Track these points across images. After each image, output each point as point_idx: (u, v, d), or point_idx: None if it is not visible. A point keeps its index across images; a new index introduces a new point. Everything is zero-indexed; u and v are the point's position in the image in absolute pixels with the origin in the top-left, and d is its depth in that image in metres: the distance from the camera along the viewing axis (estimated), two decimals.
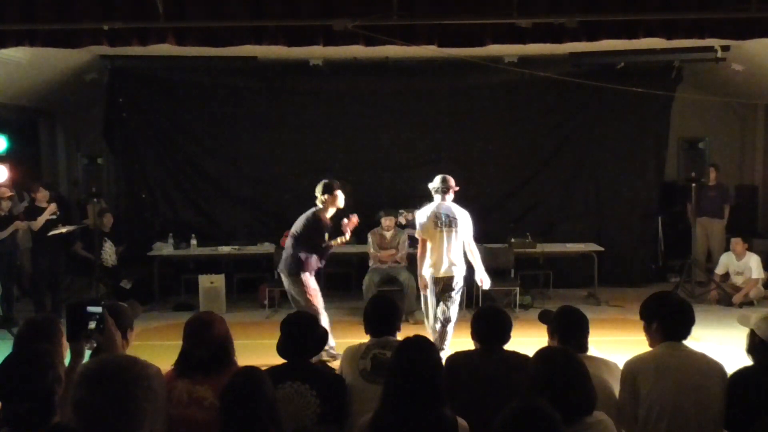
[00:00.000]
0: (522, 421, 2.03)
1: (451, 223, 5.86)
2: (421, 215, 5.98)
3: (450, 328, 5.93)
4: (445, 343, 5.93)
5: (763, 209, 10.28)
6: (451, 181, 5.99)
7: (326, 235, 6.07)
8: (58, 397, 2.28)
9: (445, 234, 5.84)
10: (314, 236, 6.01)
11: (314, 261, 6.08)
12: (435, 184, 5.99)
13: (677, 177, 8.90)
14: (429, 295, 5.99)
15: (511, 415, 2.05)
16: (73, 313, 2.75)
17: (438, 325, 5.94)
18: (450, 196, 5.98)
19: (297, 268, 6.00)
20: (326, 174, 9.33)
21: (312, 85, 9.31)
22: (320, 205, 6.05)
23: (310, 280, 6.06)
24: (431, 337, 5.99)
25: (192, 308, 8.13)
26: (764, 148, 10.22)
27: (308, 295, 6.01)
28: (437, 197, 5.97)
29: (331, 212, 6.10)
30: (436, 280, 5.90)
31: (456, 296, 5.98)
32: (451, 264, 5.88)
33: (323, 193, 6.03)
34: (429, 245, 5.89)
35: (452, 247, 5.86)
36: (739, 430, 2.93)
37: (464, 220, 5.93)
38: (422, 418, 2.52)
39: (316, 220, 6.01)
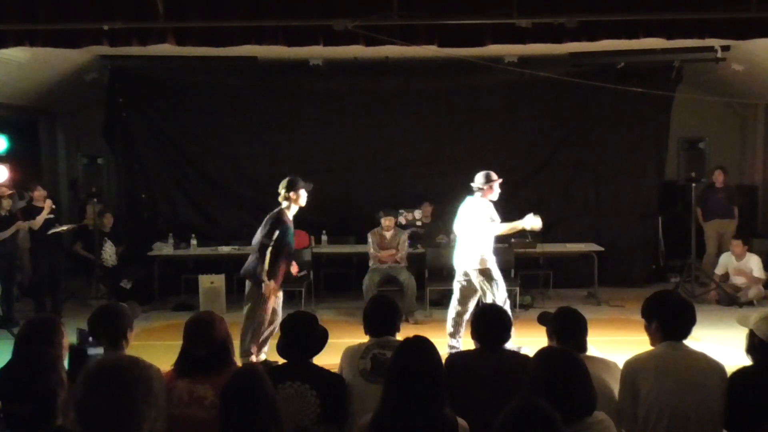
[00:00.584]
0: (522, 421, 2.03)
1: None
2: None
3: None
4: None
5: (763, 209, 10.29)
6: (493, 176, 6.25)
7: (290, 236, 5.86)
8: (60, 401, 2.28)
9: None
10: (280, 237, 5.77)
11: (280, 270, 5.87)
12: (479, 181, 6.24)
13: (677, 177, 8.91)
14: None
15: (512, 415, 2.05)
16: (75, 357, 2.77)
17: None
18: (493, 191, 6.29)
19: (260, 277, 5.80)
20: (326, 174, 9.43)
21: (312, 85, 9.31)
22: (284, 203, 5.86)
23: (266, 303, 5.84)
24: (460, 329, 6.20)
25: (192, 308, 8.13)
26: (764, 148, 10.22)
27: (261, 308, 5.81)
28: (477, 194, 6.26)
29: (294, 210, 5.90)
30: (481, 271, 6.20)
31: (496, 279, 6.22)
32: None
33: (287, 190, 5.83)
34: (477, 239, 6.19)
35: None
36: (739, 431, 2.93)
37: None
38: (422, 418, 2.52)
39: (279, 220, 5.78)
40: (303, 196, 5.92)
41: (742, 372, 3.00)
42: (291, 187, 5.85)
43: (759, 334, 3.02)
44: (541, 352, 2.70)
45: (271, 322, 5.90)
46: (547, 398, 2.31)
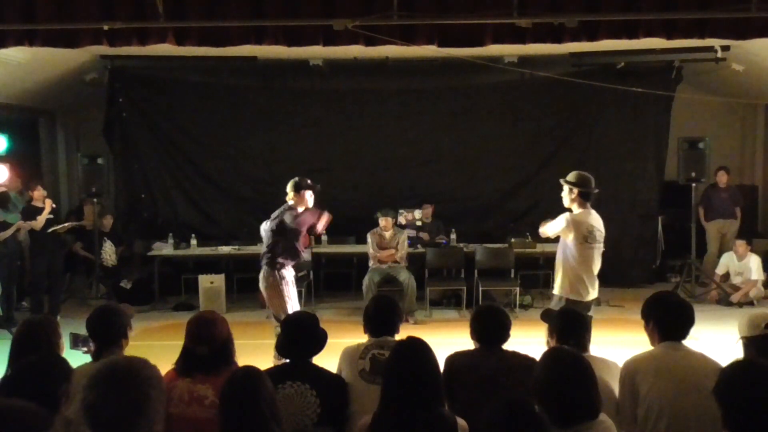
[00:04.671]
0: (509, 420, 2.04)
1: (598, 237, 5.10)
2: (583, 223, 5.09)
3: None
4: None
5: (763, 209, 10.29)
6: (593, 181, 5.25)
7: (300, 231, 5.87)
8: (59, 414, 2.28)
9: (596, 251, 5.06)
10: (288, 233, 5.82)
11: (290, 264, 5.88)
12: (588, 185, 5.16)
13: (677, 177, 8.91)
14: None
15: (499, 414, 2.06)
16: None
17: None
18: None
19: (274, 267, 5.84)
20: (326, 174, 9.42)
21: (312, 85, 9.31)
22: (290, 203, 5.91)
23: (286, 286, 5.86)
24: None
25: (192, 308, 8.13)
26: (764, 148, 10.22)
27: (283, 299, 5.82)
28: (583, 202, 5.16)
29: (300, 210, 5.92)
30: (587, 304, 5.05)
31: None
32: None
33: (293, 190, 5.90)
34: (579, 262, 5.02)
35: (597, 264, 5.10)
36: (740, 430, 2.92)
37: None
38: (422, 419, 2.52)
39: (288, 216, 5.83)
40: (309, 197, 5.95)
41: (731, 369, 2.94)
42: (296, 188, 5.90)
43: (741, 332, 3.07)
44: (549, 354, 2.68)
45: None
46: (553, 400, 2.32)
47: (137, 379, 1.86)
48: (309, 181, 5.99)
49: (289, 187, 5.95)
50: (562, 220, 5.11)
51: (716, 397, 2.19)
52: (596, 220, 5.09)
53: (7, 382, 2.61)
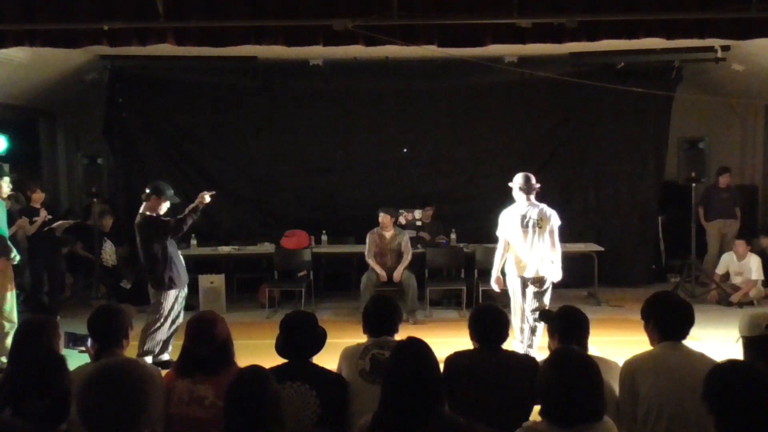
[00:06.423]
0: None
1: (536, 224, 5.78)
2: (506, 215, 5.91)
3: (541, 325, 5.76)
4: (534, 339, 5.87)
5: (763, 209, 10.29)
6: (533, 179, 5.87)
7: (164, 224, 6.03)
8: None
9: (531, 234, 5.77)
10: (156, 234, 5.96)
11: (175, 269, 6.03)
12: (519, 182, 5.84)
13: (677, 177, 8.92)
14: (512, 295, 5.99)
15: None
16: None
17: (528, 323, 5.88)
18: (533, 195, 5.88)
19: (160, 280, 5.95)
20: (326, 174, 9.44)
21: (312, 85, 9.30)
22: (143, 205, 5.98)
23: (165, 294, 5.91)
24: (519, 337, 5.94)
25: (192, 308, 8.08)
26: (764, 148, 10.22)
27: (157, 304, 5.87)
28: (521, 196, 5.84)
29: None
30: (522, 280, 5.90)
31: (547, 293, 5.98)
32: (539, 264, 5.84)
33: (154, 194, 5.97)
34: (512, 245, 5.87)
35: (537, 247, 5.79)
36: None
37: (553, 219, 5.83)
38: (422, 419, 2.51)
39: (151, 221, 5.97)
40: (163, 207, 6.08)
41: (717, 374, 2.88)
42: (157, 193, 5.99)
43: (742, 332, 3.07)
44: (557, 353, 2.67)
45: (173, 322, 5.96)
46: (559, 400, 2.31)
47: (129, 379, 1.87)
48: (172, 192, 6.08)
49: (149, 190, 5.99)
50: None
51: (706, 403, 2.18)
52: (527, 210, 5.84)
53: (8, 381, 2.60)
